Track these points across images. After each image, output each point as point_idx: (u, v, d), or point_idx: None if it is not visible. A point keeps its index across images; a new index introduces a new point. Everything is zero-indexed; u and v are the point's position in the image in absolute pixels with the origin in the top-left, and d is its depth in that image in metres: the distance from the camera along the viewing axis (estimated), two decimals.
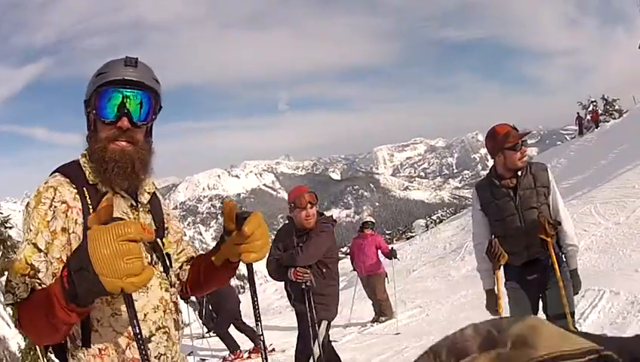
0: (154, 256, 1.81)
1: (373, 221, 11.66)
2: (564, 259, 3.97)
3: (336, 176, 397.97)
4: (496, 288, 4.07)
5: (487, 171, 4.17)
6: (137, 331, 1.42)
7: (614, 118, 33.85)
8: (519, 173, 3.88)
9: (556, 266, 3.76)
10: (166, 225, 1.98)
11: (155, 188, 1.94)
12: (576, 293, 4.05)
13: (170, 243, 1.97)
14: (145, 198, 1.88)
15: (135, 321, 1.41)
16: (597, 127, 31.45)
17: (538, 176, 3.90)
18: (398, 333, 8.79)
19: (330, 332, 5.26)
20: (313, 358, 4.88)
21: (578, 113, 37.40)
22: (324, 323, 5.04)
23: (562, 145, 35.39)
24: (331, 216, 5.50)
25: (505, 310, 4.09)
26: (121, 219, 1.39)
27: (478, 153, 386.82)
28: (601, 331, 5.62)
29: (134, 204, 1.82)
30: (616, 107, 40.53)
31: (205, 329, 10.36)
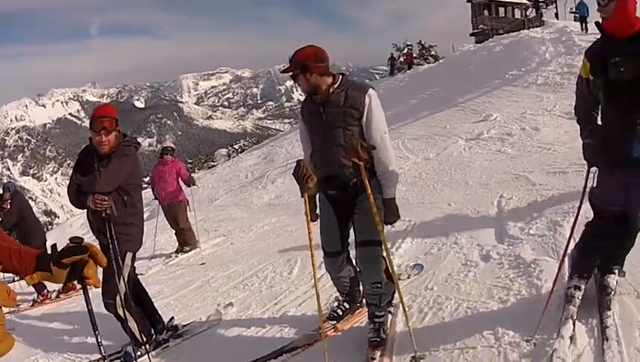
0: None
1: (173, 147, 11.75)
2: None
3: (140, 104, 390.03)
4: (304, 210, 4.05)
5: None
6: None
7: (429, 63, 35.67)
8: (330, 90, 3.93)
9: (368, 191, 3.75)
10: None
11: None
12: (390, 223, 4.16)
13: None
14: None
15: None
16: (409, 69, 32.94)
17: (350, 96, 3.92)
18: (203, 263, 8.96)
19: (135, 265, 5.15)
20: (119, 295, 4.73)
21: (392, 54, 39.01)
22: (128, 256, 4.93)
23: (372, 82, 36.78)
24: (135, 137, 5.31)
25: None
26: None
27: (283, 85, 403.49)
28: (417, 261, 5.83)
29: None
30: (432, 53, 43.12)
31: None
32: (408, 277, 5.32)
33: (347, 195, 4.03)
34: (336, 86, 3.95)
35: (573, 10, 27.95)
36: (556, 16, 37.53)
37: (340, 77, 4.02)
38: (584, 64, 3.72)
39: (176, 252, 10.49)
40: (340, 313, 4.61)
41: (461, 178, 9.69)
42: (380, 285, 4.00)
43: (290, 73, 3.93)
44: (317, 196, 4.23)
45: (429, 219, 7.35)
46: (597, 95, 3.65)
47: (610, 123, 3.58)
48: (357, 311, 4.73)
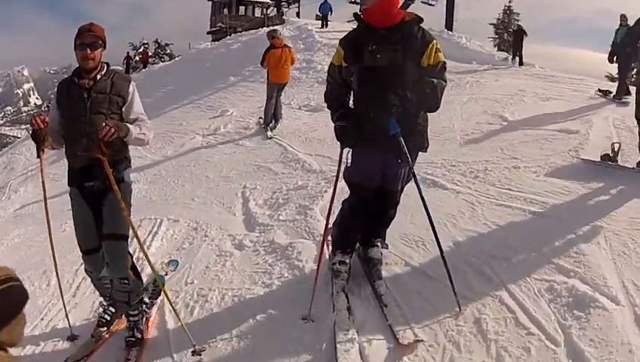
0: None
1: None
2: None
3: None
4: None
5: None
6: None
7: (164, 62, 35.20)
8: (98, 76, 3.91)
9: (115, 186, 3.78)
10: None
11: None
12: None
13: None
14: None
15: None
16: (145, 68, 32.17)
17: (117, 84, 3.96)
18: None
19: None
20: None
21: (128, 53, 37.76)
22: None
23: None
24: None
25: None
26: None
27: (22, 88, 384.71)
28: (170, 257, 5.74)
29: None
30: (168, 51, 42.94)
31: None
32: (166, 274, 5.19)
33: (105, 186, 3.90)
34: (103, 73, 3.94)
35: (319, 12, 29.81)
36: (297, 15, 39.30)
37: (105, 65, 4.00)
38: (338, 52, 3.89)
39: None
40: (108, 318, 4.42)
41: (201, 173, 9.58)
42: (126, 281, 4.02)
43: (92, 41, 3.83)
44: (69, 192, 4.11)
45: (175, 216, 7.14)
46: (349, 81, 3.84)
47: (364, 105, 3.77)
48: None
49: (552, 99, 10.54)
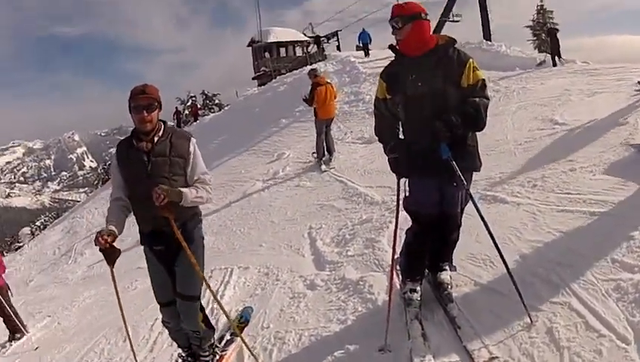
0: None
1: None
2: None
3: None
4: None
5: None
6: None
7: (214, 112, 35.95)
8: (155, 138, 3.89)
9: (184, 244, 3.81)
10: None
11: None
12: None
13: None
14: None
15: None
16: (196, 121, 32.95)
17: (176, 144, 3.92)
18: (37, 348, 8.27)
19: None
20: None
21: (176, 108, 38.59)
22: None
23: None
24: None
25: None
26: None
27: (74, 153, 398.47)
28: (244, 305, 5.82)
29: None
30: (217, 101, 43.73)
31: None
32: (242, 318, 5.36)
33: (174, 248, 3.98)
34: (160, 133, 3.92)
35: (359, 43, 30.51)
36: (338, 48, 39.31)
37: (163, 124, 3.97)
38: (380, 85, 3.99)
39: (9, 340, 9.52)
40: None
41: (266, 218, 9.78)
42: (198, 333, 4.29)
43: (148, 103, 3.81)
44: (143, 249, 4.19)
45: (245, 264, 7.32)
46: (396, 112, 3.92)
47: (414, 134, 3.87)
48: None
49: (598, 93, 10.59)
